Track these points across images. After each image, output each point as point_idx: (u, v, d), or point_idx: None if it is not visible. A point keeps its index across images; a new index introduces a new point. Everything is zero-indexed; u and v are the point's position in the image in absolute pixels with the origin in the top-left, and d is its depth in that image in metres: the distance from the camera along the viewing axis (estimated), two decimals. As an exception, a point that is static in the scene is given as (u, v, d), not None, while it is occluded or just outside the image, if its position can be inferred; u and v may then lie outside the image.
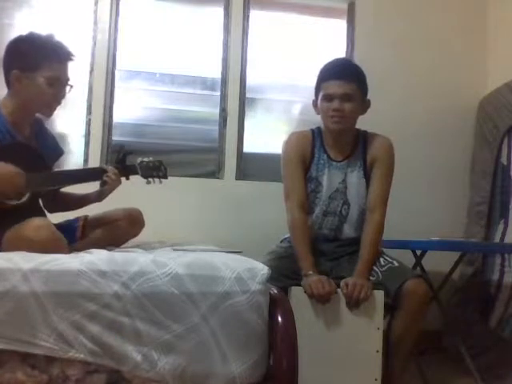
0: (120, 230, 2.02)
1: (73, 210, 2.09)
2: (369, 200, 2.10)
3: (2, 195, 1.70)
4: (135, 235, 2.07)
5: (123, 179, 2.02)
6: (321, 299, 1.86)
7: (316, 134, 2.19)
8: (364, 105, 2.14)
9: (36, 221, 1.65)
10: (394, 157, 2.14)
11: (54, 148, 2.08)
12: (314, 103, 2.17)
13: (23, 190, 1.73)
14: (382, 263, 2.03)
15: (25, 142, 1.88)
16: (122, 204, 2.07)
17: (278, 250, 2.18)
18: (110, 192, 1.98)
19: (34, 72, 1.83)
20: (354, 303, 1.88)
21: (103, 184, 1.96)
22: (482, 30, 3.19)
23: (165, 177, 2.13)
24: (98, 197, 2.01)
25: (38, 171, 1.84)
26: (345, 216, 2.13)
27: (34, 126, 1.98)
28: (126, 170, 2.04)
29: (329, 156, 2.15)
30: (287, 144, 2.18)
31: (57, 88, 1.89)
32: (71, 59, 1.94)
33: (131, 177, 2.06)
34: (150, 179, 2.09)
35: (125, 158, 2.05)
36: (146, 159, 2.09)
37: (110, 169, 1.97)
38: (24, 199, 1.74)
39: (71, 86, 1.95)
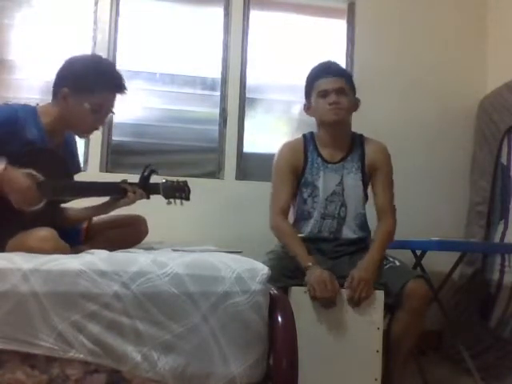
0: (124, 236, 2.01)
1: (74, 224, 2.03)
2: (378, 206, 2.15)
3: (15, 206, 1.69)
4: (138, 242, 2.06)
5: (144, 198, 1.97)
6: (325, 303, 1.87)
7: (308, 138, 2.22)
8: (355, 102, 2.19)
9: (41, 232, 1.63)
10: (391, 162, 2.20)
11: (73, 163, 2.06)
12: (306, 106, 2.21)
13: (36, 203, 1.71)
14: (384, 262, 2.04)
15: (54, 150, 1.87)
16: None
17: (277, 249, 2.19)
18: (122, 206, 1.95)
19: (83, 96, 1.82)
20: (356, 301, 1.89)
21: (122, 194, 1.93)
22: (482, 30, 3.19)
23: (187, 198, 2.05)
24: (107, 208, 1.98)
25: (60, 178, 1.83)
26: (343, 218, 2.14)
27: (66, 136, 1.97)
28: (149, 189, 1.98)
29: (323, 158, 2.16)
30: (278, 155, 2.21)
31: (99, 115, 1.88)
32: (123, 93, 1.92)
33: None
34: (171, 200, 2.01)
35: (149, 177, 1.99)
36: (170, 179, 2.03)
37: (139, 191, 1.93)
38: (40, 205, 1.72)
39: (113, 113, 1.94)
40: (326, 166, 2.16)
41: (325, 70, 2.15)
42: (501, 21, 3.11)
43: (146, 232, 2.07)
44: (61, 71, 1.87)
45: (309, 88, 2.17)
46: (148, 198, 1.99)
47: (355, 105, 2.19)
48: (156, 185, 2.00)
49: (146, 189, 1.97)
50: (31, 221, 1.68)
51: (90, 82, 1.83)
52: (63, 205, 1.97)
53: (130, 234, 2.03)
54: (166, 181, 2.02)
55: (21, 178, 1.67)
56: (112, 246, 1.87)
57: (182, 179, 2.06)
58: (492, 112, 2.93)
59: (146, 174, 1.99)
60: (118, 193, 1.93)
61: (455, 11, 3.18)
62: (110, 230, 2.01)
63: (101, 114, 1.89)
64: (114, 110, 1.93)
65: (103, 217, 2.04)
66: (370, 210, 2.21)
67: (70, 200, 1.97)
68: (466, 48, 3.18)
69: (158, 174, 2.01)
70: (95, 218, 2.05)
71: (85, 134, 1.97)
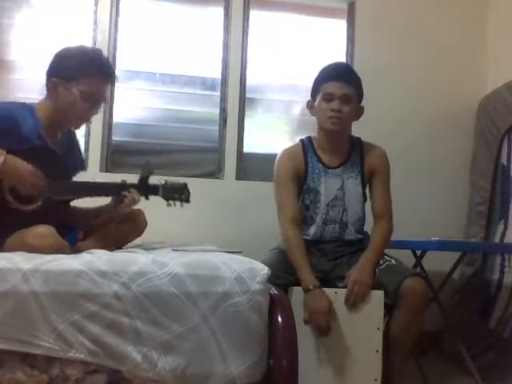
0: (122, 231, 2.01)
1: (82, 225, 2.03)
2: (376, 209, 2.15)
3: (17, 191, 1.68)
4: (138, 236, 2.06)
5: (142, 198, 1.96)
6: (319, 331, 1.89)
7: (306, 144, 2.21)
8: (359, 110, 2.18)
9: (40, 229, 1.63)
10: (389, 166, 2.19)
11: (76, 161, 2.07)
12: (309, 104, 2.19)
13: (40, 193, 1.71)
14: (380, 262, 2.04)
15: (52, 148, 1.87)
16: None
17: (281, 246, 2.17)
18: (121, 212, 1.95)
19: (71, 83, 1.84)
20: (351, 302, 1.90)
21: (119, 199, 1.92)
22: (482, 30, 3.19)
23: (187, 201, 2.03)
24: (108, 213, 1.98)
25: (58, 178, 1.82)
26: (345, 222, 2.14)
27: (65, 134, 1.98)
28: (148, 190, 1.97)
29: (323, 164, 2.16)
30: (278, 162, 2.19)
31: (90, 104, 1.89)
32: (111, 80, 1.94)
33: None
34: (171, 201, 2.00)
35: (148, 177, 1.98)
36: (170, 181, 2.02)
37: (133, 191, 1.92)
38: (36, 205, 1.72)
39: (106, 102, 1.97)
40: (326, 171, 2.15)
41: (334, 74, 2.11)
42: (501, 21, 3.11)
43: (144, 224, 2.05)
44: (50, 64, 1.90)
45: (315, 88, 2.15)
46: (147, 198, 1.98)
47: (358, 113, 2.17)
48: (155, 186, 1.99)
49: (145, 189, 1.97)
50: (30, 220, 1.67)
51: (76, 69, 1.85)
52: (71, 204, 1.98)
53: (129, 229, 2.02)
54: (166, 182, 2.01)
55: (23, 163, 1.67)
56: (113, 243, 1.88)
57: (182, 180, 2.05)
58: (492, 112, 2.93)
59: (145, 174, 1.97)
60: (116, 193, 1.92)
61: (455, 11, 3.18)
62: (108, 226, 2.00)
63: (92, 102, 1.89)
64: (107, 99, 1.94)
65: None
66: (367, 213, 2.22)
67: (70, 199, 1.97)
68: (466, 48, 3.18)
69: (153, 174, 1.99)
70: None
71: (78, 122, 1.96)
